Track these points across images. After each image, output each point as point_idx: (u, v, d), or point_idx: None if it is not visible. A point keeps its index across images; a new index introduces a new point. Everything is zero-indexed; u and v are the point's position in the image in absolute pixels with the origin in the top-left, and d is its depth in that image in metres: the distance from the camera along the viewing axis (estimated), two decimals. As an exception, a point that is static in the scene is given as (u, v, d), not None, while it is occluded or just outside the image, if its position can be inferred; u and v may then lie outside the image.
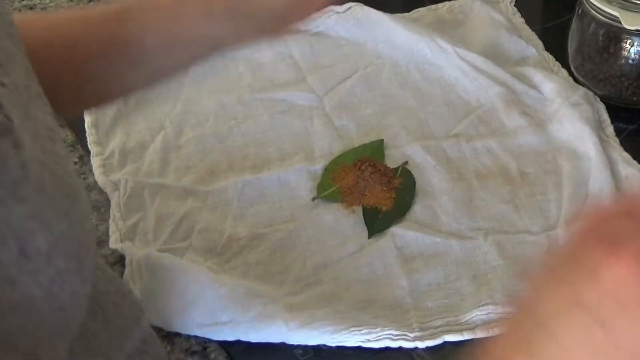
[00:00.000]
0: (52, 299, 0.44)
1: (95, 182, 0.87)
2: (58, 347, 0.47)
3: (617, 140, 0.89)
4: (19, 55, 0.49)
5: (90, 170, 0.88)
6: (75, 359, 0.49)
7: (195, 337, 0.75)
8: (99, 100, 0.74)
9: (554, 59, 0.98)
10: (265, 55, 0.99)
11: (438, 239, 0.81)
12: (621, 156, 0.87)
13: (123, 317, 0.58)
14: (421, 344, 0.73)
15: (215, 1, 0.66)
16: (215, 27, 0.67)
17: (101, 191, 0.86)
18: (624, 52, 0.90)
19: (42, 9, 1.06)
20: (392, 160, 0.88)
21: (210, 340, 0.75)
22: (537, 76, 0.94)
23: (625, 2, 0.87)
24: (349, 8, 1.03)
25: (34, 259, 0.43)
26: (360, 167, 0.85)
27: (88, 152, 0.90)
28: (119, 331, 0.57)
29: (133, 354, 0.58)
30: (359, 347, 0.73)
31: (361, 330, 0.73)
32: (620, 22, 0.87)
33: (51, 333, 0.45)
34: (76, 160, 0.90)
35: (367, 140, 0.90)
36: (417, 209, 0.84)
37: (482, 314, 0.75)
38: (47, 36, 0.66)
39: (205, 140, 0.91)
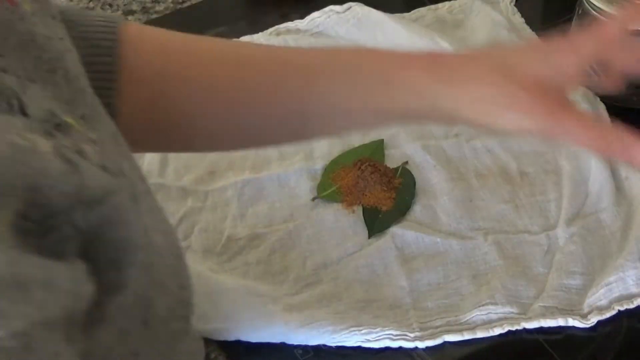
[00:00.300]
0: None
1: (95, 182, 0.86)
2: None
3: (617, 140, 0.89)
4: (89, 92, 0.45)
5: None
6: None
7: (195, 337, 0.75)
8: (210, 147, 0.68)
9: (554, 59, 0.98)
10: (265, 55, 0.99)
11: (438, 239, 0.81)
12: (621, 156, 0.87)
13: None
14: (421, 344, 0.73)
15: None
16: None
17: (101, 191, 0.86)
18: (624, 52, 0.90)
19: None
20: (392, 160, 0.88)
21: (210, 340, 0.75)
22: (537, 76, 0.94)
23: (625, 2, 0.87)
24: (349, 8, 1.03)
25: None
26: (360, 167, 0.85)
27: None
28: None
29: None
30: (359, 347, 0.73)
31: (361, 330, 0.73)
32: (620, 22, 0.87)
33: None
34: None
35: (367, 140, 0.90)
36: (417, 209, 0.84)
37: (482, 314, 0.75)
38: (189, 74, 0.60)
39: (205, 140, 0.91)
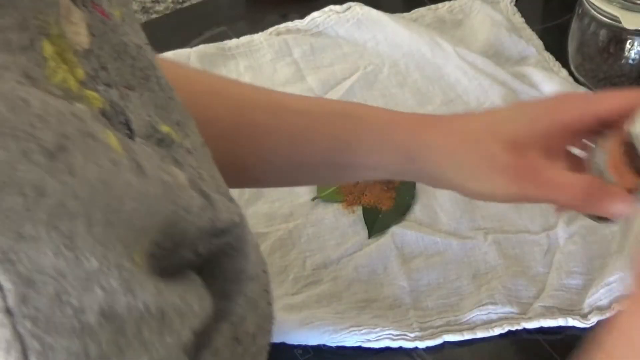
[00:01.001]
0: None
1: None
2: None
3: (617, 140, 0.89)
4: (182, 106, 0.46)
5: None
6: None
7: (195, 337, 0.75)
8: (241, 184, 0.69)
9: (554, 59, 0.98)
10: (265, 55, 0.99)
11: (438, 239, 0.81)
12: (621, 156, 0.87)
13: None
14: (421, 344, 0.73)
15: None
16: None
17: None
18: (624, 52, 0.90)
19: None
20: (392, 160, 0.88)
21: (210, 340, 0.75)
22: (537, 76, 0.94)
23: (625, 2, 0.87)
24: (349, 8, 1.03)
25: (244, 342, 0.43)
26: (360, 167, 0.86)
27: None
28: None
29: None
30: (359, 347, 0.73)
31: (361, 330, 0.73)
32: (620, 22, 0.87)
33: None
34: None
35: (367, 140, 0.90)
36: (417, 209, 0.84)
37: (482, 314, 0.75)
38: (238, 120, 0.61)
39: (205, 140, 0.91)
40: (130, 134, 0.37)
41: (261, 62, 0.99)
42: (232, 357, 0.40)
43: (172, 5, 1.08)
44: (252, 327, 0.43)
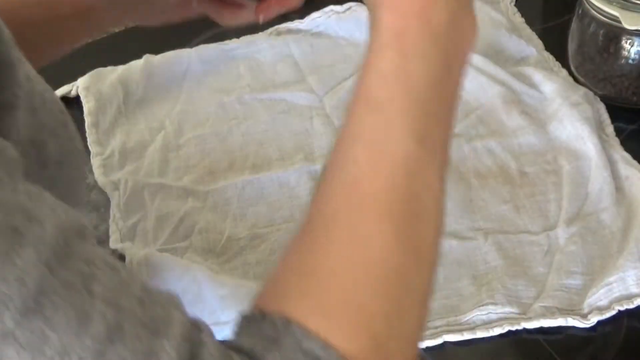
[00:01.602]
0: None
1: (95, 182, 0.87)
2: None
3: (617, 140, 0.89)
4: None
5: (90, 170, 0.88)
6: None
7: (195, 337, 0.75)
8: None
9: (554, 59, 0.98)
10: (265, 55, 0.99)
11: (438, 239, 0.81)
12: (621, 156, 0.87)
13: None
14: (421, 344, 0.73)
15: None
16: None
17: (101, 191, 0.86)
18: (624, 52, 0.90)
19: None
20: (392, 160, 0.88)
21: (210, 340, 0.75)
22: (537, 76, 0.94)
23: (625, 2, 0.87)
24: (349, 8, 1.03)
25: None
26: (360, 167, 0.85)
27: (88, 152, 0.90)
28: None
29: None
30: (359, 347, 0.73)
31: (361, 330, 0.73)
32: (620, 22, 0.87)
33: None
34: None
35: (367, 140, 0.90)
36: (417, 209, 0.83)
37: (482, 314, 0.75)
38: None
39: (205, 140, 0.91)
40: None
41: (261, 62, 0.99)
42: (41, 181, 0.43)
43: (172, 5, 1.08)
44: (56, 155, 0.48)
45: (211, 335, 0.43)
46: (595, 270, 0.78)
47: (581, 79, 0.95)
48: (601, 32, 0.91)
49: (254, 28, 1.02)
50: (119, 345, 0.39)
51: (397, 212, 0.47)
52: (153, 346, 0.40)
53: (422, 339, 0.49)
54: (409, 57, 0.49)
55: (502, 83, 0.94)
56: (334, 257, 0.46)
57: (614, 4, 0.88)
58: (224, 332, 0.74)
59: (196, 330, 0.43)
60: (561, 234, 0.81)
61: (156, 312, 0.41)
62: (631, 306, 0.75)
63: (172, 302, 0.43)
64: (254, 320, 0.45)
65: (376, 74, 0.50)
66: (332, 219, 0.47)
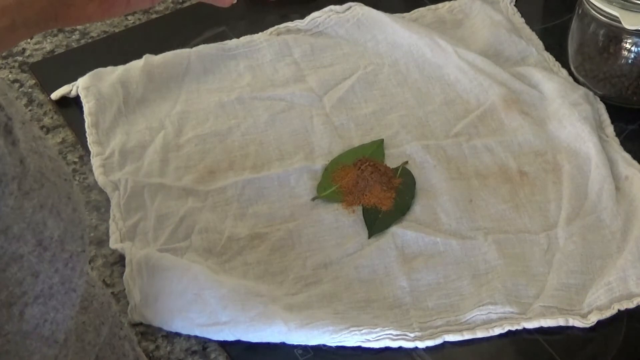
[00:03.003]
0: (66, 282, 0.46)
1: (95, 182, 0.87)
2: (70, 328, 0.49)
3: (617, 140, 0.89)
4: None
5: (90, 170, 0.88)
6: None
7: (195, 337, 0.75)
8: None
9: (554, 59, 0.98)
10: (265, 55, 0.99)
11: (438, 239, 0.81)
12: (621, 156, 0.87)
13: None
14: (421, 344, 0.74)
15: None
16: None
17: (101, 191, 0.86)
18: (624, 52, 0.90)
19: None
20: (392, 160, 0.88)
21: (210, 340, 0.75)
22: (537, 76, 0.94)
23: (625, 2, 0.87)
24: (349, 8, 1.03)
25: (50, 248, 0.45)
26: (360, 167, 0.86)
27: (88, 152, 0.90)
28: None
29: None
30: (359, 347, 0.74)
31: (361, 330, 0.73)
32: (620, 22, 0.87)
33: (65, 316, 0.47)
34: (76, 160, 0.90)
35: (367, 140, 0.90)
36: (417, 209, 0.84)
37: (482, 314, 0.75)
38: None
39: (205, 140, 0.91)
40: None
41: (261, 62, 0.99)
42: (39, 262, 0.43)
43: (172, 5, 1.08)
44: (57, 233, 0.46)
45: None
46: (595, 270, 0.78)
47: (581, 79, 0.95)
48: (601, 32, 0.91)
49: (254, 28, 1.03)
50: None
51: None
52: None
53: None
54: None
55: (502, 83, 0.94)
56: None
57: (614, 4, 0.88)
58: (224, 332, 0.75)
59: None
60: (561, 233, 0.81)
61: None
62: (631, 306, 0.75)
63: None
64: None
65: None
66: None
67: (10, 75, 0.99)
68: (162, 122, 0.93)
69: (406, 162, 0.88)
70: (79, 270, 0.48)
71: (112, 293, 0.78)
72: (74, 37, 1.04)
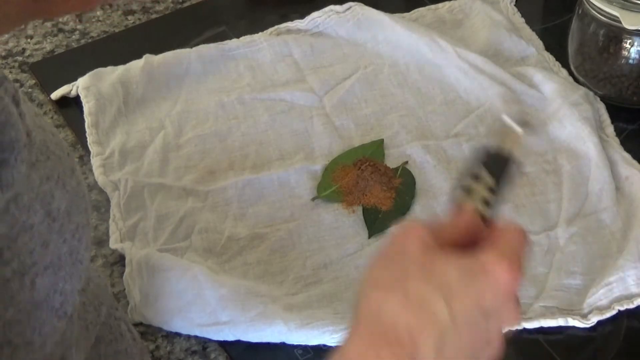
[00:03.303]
0: (74, 252, 0.48)
1: (95, 182, 0.87)
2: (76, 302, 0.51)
3: (617, 140, 0.89)
4: None
5: (90, 170, 0.88)
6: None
7: (195, 337, 0.75)
8: None
9: (554, 59, 0.98)
10: (265, 55, 0.99)
11: (438, 239, 0.81)
12: (621, 156, 0.87)
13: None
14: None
15: None
16: None
17: (101, 191, 0.86)
18: (624, 52, 0.90)
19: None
20: (392, 160, 0.88)
21: (210, 340, 0.75)
22: (537, 76, 0.94)
23: (625, 2, 0.87)
24: (349, 8, 1.03)
25: (58, 219, 0.46)
26: (360, 167, 0.86)
27: (88, 152, 0.90)
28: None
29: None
30: (359, 347, 0.73)
31: (361, 330, 0.73)
32: (620, 22, 0.87)
33: (73, 287, 0.48)
34: (76, 160, 0.90)
35: (367, 140, 0.90)
36: (417, 209, 0.84)
37: (482, 314, 0.75)
38: None
39: (205, 140, 0.91)
40: None
41: (261, 62, 0.99)
42: (49, 231, 0.44)
43: (172, 5, 1.08)
44: (64, 204, 0.47)
45: None
46: (595, 270, 0.78)
47: (581, 79, 0.95)
48: (601, 32, 0.91)
49: (254, 28, 1.02)
50: None
51: None
52: None
53: None
54: None
55: (502, 83, 0.94)
56: None
57: (614, 4, 0.88)
58: (224, 332, 0.75)
59: None
60: (561, 233, 0.81)
61: None
62: (631, 306, 0.75)
63: None
64: None
65: None
66: None
67: (10, 75, 0.99)
68: (162, 122, 0.93)
69: (406, 162, 0.88)
70: (85, 242, 0.50)
71: (112, 293, 0.78)
72: (74, 37, 1.04)
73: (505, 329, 0.49)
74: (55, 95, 0.95)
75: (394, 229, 0.50)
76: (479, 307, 0.47)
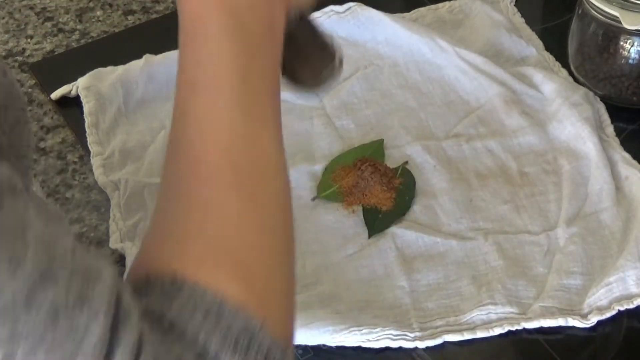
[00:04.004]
0: (15, 147, 0.51)
1: (95, 182, 0.87)
2: None
3: (617, 140, 0.89)
4: None
5: (90, 170, 0.88)
6: None
7: (195, 337, 0.75)
8: None
9: (554, 59, 0.98)
10: (265, 55, 0.99)
11: (438, 239, 0.81)
12: (621, 156, 0.87)
13: None
14: (421, 344, 0.74)
15: None
16: None
17: (101, 191, 0.86)
18: (624, 52, 0.90)
19: (42, 8, 1.07)
20: (392, 160, 0.88)
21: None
22: (537, 76, 0.94)
23: (625, 2, 0.87)
24: (349, 8, 1.03)
25: None
26: (360, 167, 0.86)
27: (88, 152, 0.90)
28: None
29: None
30: (359, 347, 0.74)
31: (361, 330, 0.73)
32: (620, 22, 0.87)
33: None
34: (76, 160, 0.90)
35: (367, 140, 0.90)
36: (417, 209, 0.84)
37: (482, 314, 0.75)
38: None
39: (205, 140, 0.91)
40: None
41: (261, 62, 0.99)
42: None
43: (172, 5, 1.08)
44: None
45: (127, 285, 0.47)
46: (595, 270, 0.78)
47: (581, 79, 0.95)
48: (601, 32, 0.91)
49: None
50: (50, 287, 0.41)
51: (242, 178, 0.52)
52: (84, 291, 0.42)
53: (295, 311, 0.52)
54: (215, 40, 0.55)
55: (502, 83, 0.94)
56: (200, 224, 0.50)
57: (614, 4, 0.88)
58: (224, 332, 0.74)
59: (120, 279, 0.45)
60: (561, 234, 0.81)
61: (87, 261, 0.43)
62: (631, 306, 0.75)
63: (101, 255, 0.47)
64: (145, 282, 0.48)
65: (191, 60, 0.57)
66: (187, 195, 0.51)
67: (10, 75, 0.99)
68: (162, 122, 0.92)
69: (406, 162, 0.88)
70: (26, 140, 0.53)
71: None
72: (74, 37, 1.04)
73: None
74: (55, 95, 0.95)
75: None
76: None
